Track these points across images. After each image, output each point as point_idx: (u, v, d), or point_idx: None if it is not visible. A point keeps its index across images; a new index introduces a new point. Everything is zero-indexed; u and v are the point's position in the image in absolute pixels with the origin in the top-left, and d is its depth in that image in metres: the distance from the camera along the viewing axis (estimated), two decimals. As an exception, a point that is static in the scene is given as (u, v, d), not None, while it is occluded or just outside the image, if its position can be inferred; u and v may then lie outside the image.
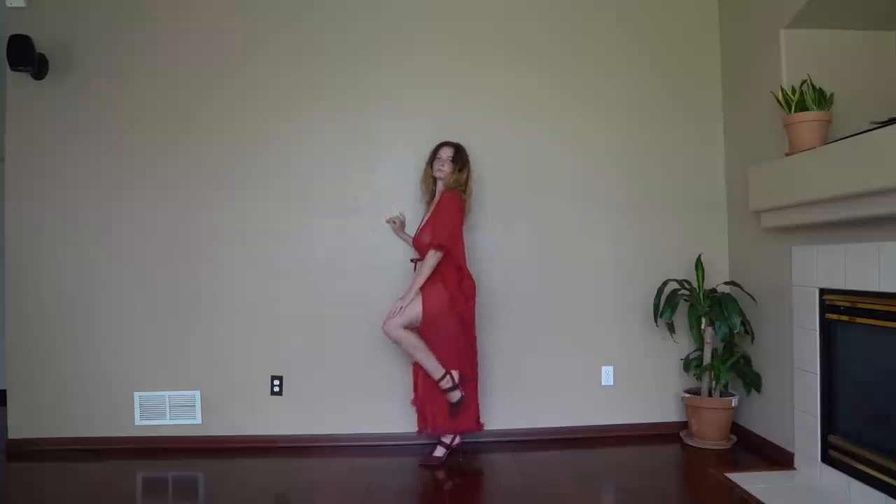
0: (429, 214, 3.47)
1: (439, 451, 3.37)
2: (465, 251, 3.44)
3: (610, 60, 3.88)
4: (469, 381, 3.42)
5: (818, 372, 2.96)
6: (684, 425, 3.76)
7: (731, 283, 3.67)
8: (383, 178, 3.74)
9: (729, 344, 3.56)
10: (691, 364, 3.67)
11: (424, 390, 3.42)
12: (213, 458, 3.50)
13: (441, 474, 3.24)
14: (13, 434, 3.65)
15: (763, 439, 3.48)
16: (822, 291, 2.94)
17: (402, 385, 3.63)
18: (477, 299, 3.47)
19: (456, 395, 3.33)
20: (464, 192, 3.42)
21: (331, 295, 3.73)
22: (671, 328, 3.65)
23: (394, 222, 3.67)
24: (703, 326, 3.53)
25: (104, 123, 3.70)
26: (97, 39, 3.70)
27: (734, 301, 3.48)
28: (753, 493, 2.85)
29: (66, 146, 3.69)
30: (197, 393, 3.70)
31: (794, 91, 3.04)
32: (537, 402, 3.79)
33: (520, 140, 3.83)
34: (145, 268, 3.70)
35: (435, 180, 3.47)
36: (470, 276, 3.42)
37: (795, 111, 2.99)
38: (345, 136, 3.77)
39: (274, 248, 3.74)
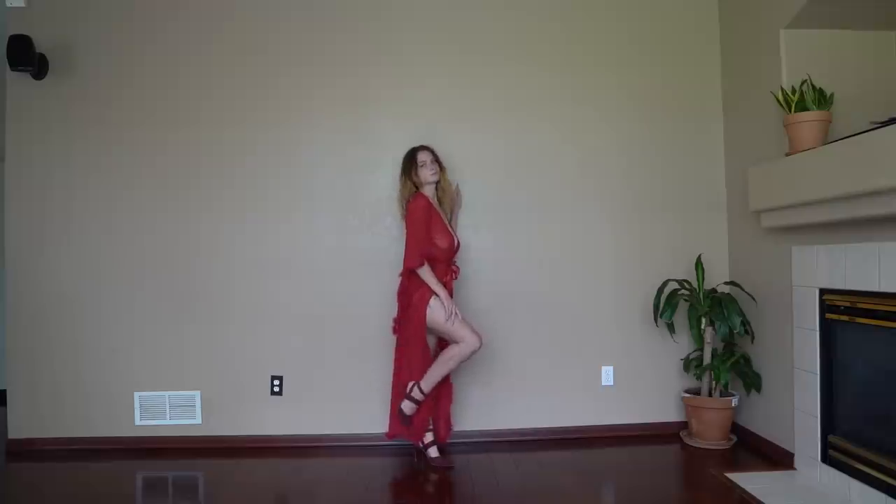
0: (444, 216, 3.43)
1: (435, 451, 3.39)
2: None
3: (610, 60, 3.88)
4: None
5: (818, 372, 2.96)
6: (684, 425, 3.76)
7: (731, 283, 3.67)
8: (383, 178, 3.73)
9: (729, 344, 3.56)
10: (691, 364, 3.67)
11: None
12: (213, 458, 3.50)
13: (441, 474, 3.24)
14: (13, 434, 3.65)
15: (763, 439, 3.48)
16: (822, 291, 2.94)
17: (402, 385, 3.63)
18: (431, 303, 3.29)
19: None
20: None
21: (331, 295, 3.73)
22: (671, 328, 3.64)
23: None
24: (703, 326, 3.53)
25: (104, 123, 3.70)
26: (97, 39, 3.70)
27: (734, 301, 3.48)
28: (753, 493, 2.85)
29: (66, 146, 3.69)
30: (197, 393, 3.70)
31: (794, 91, 3.04)
32: (537, 402, 3.79)
33: (519, 140, 3.83)
34: (145, 268, 3.70)
35: (422, 185, 3.35)
36: None
37: (795, 111, 2.99)
38: (345, 136, 3.77)
39: (274, 248, 3.74)
